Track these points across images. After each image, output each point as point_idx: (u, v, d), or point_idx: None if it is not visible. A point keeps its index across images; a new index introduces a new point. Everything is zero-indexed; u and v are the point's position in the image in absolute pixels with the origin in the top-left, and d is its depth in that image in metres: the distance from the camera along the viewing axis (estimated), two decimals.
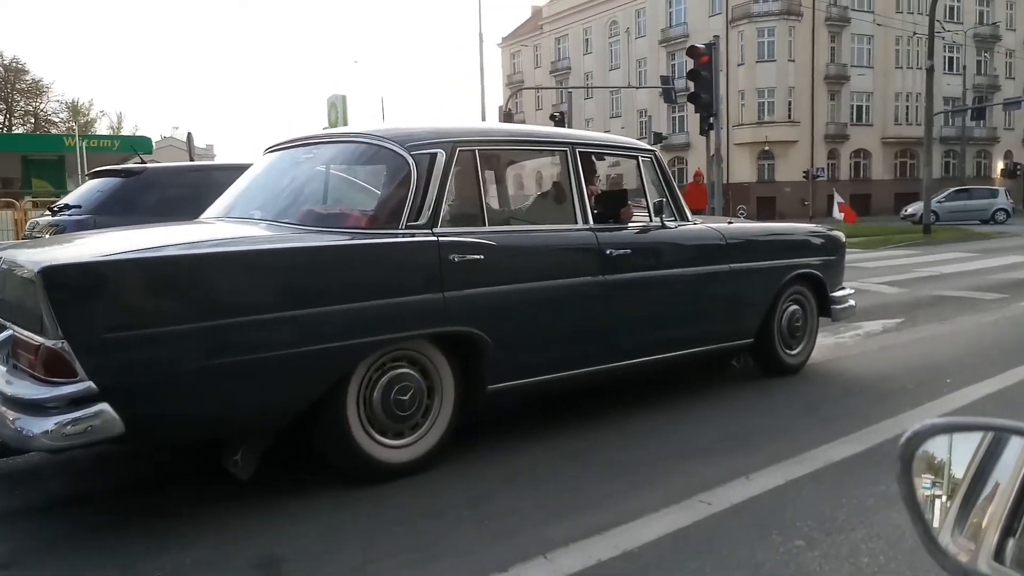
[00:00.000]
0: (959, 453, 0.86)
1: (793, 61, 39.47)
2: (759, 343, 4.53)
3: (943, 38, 35.41)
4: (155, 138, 45.79)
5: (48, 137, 35.02)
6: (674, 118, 43.43)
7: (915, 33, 38.65)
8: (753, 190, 38.97)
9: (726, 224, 4.55)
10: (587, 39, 50.66)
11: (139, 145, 21.27)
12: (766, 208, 36.90)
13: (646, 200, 4.07)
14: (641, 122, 42.50)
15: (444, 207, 3.16)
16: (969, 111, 34.89)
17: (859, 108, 42.10)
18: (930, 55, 18.88)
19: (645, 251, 3.93)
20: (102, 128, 57.66)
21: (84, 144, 25.36)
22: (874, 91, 41.76)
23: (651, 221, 4.01)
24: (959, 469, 0.85)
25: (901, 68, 41.61)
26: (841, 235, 5.27)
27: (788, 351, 4.70)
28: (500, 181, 4.28)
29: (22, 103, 54.31)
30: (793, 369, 4.72)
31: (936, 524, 0.84)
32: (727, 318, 4.33)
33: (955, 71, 42.05)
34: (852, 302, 5.11)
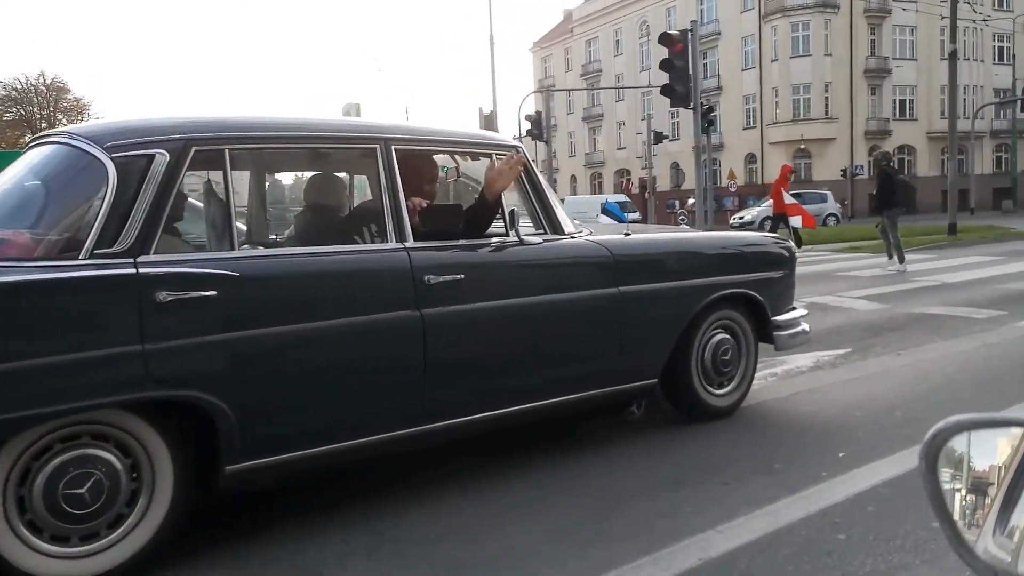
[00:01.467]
0: (986, 449, 0.85)
1: (830, 55, 37.94)
2: (670, 383, 3.64)
3: (988, 26, 33.66)
4: None
5: None
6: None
7: (963, 20, 36.80)
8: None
9: (619, 237, 3.63)
10: (618, 40, 49.68)
11: None
12: None
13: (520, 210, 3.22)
14: (673, 123, 41.41)
15: (161, 227, 2.37)
16: (1019, 102, 33.06)
17: (902, 102, 40.24)
18: (952, 38, 17.50)
19: (487, 275, 3.07)
20: None
21: None
22: (918, 84, 39.89)
23: (507, 236, 3.13)
24: (986, 465, 0.84)
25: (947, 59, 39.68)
26: (789, 245, 4.36)
27: (713, 390, 3.79)
28: (266, 190, 3.45)
29: (64, 121, 56.62)
30: (722, 412, 3.81)
31: (963, 523, 0.84)
32: (615, 355, 3.41)
33: (1005, 61, 40.03)
34: (804, 327, 4.17)
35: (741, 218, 28.02)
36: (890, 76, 39.47)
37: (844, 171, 35.43)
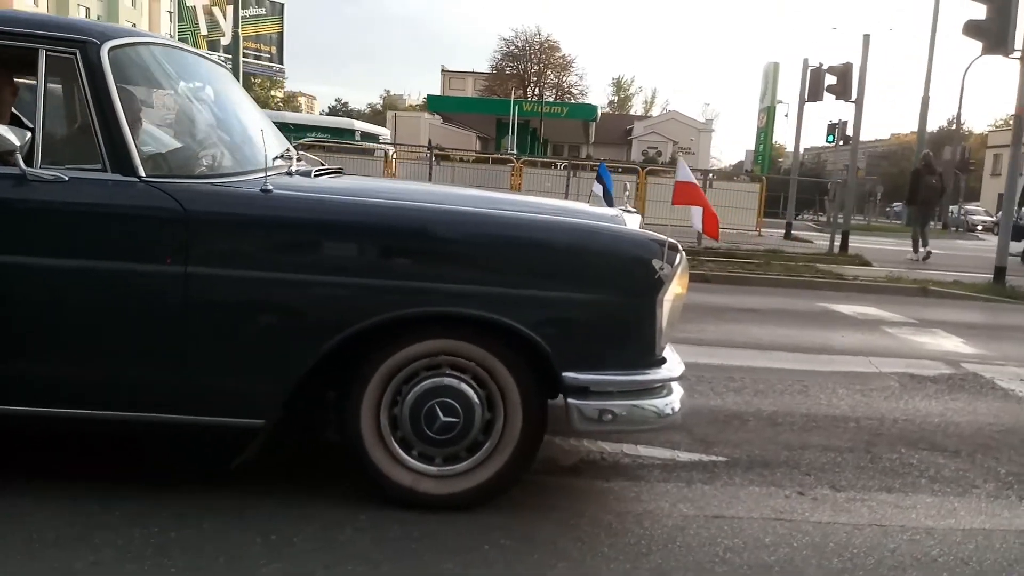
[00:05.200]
0: None
1: None
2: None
3: None
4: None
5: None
6: None
7: None
8: None
9: (254, 192, 2.45)
10: None
11: (583, 112, 37.79)
12: None
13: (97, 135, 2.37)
14: None
15: None
16: None
17: None
18: None
19: None
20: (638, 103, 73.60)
21: (535, 109, 38.30)
22: None
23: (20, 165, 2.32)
24: None
25: None
26: (637, 237, 2.62)
27: (421, 464, 2.54)
28: None
29: (551, 76, 68.89)
30: (440, 502, 2.54)
31: None
32: (174, 368, 2.39)
33: None
34: (650, 403, 2.56)
35: None
36: None
37: None
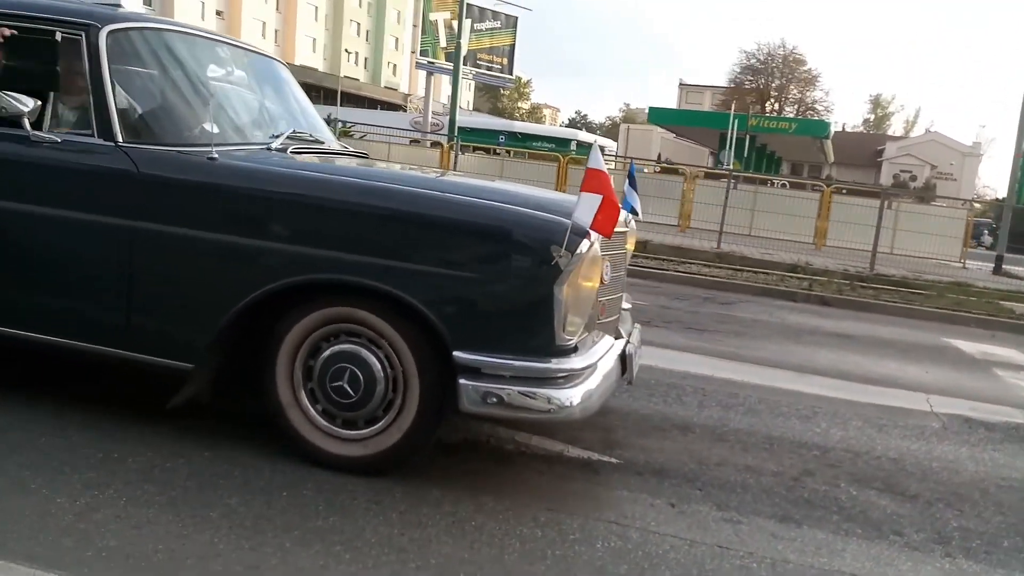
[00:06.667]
0: None
1: None
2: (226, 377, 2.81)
3: None
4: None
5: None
6: None
7: None
8: None
9: (202, 160, 2.74)
10: None
11: (814, 128, 34.72)
12: None
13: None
14: None
15: None
16: None
17: None
18: None
19: None
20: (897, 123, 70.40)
21: (760, 123, 38.91)
22: None
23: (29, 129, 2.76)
24: None
25: None
26: (538, 221, 2.55)
27: (332, 427, 2.72)
28: None
29: (794, 91, 66.02)
30: (344, 463, 2.72)
31: None
32: (120, 309, 2.75)
33: None
34: (551, 395, 2.50)
35: None
36: None
37: None
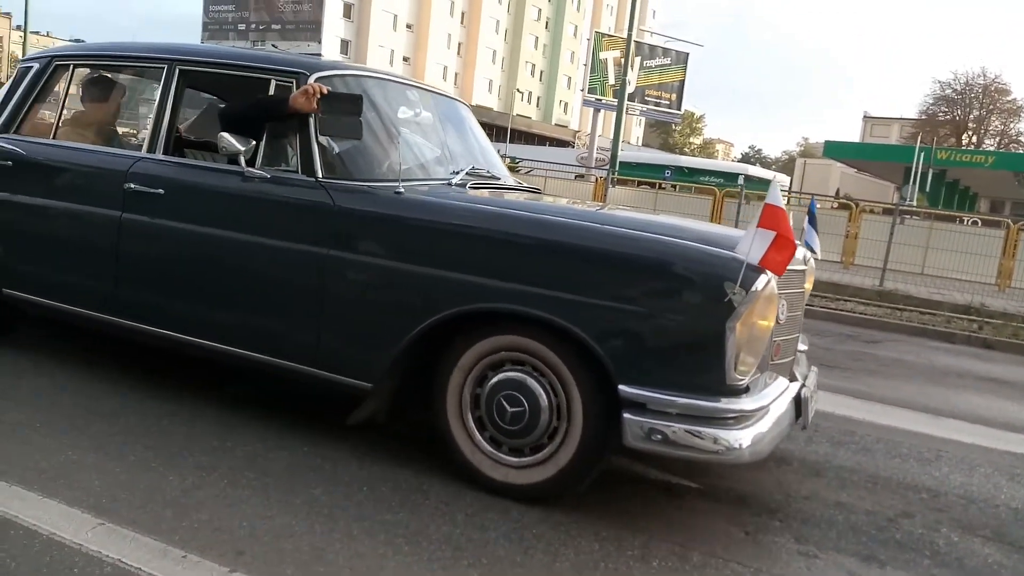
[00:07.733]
0: None
1: None
2: (398, 402, 2.97)
3: None
4: None
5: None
6: None
7: None
8: None
9: (390, 195, 2.94)
10: None
11: (1015, 162, 28.60)
12: None
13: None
14: None
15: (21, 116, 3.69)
16: None
17: None
18: None
19: (187, 198, 3.26)
20: None
21: (951, 157, 35.06)
22: None
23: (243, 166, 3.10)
24: None
25: None
26: (712, 258, 2.52)
27: (498, 453, 2.79)
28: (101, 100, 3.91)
29: (996, 122, 60.56)
30: (511, 491, 2.77)
31: None
32: (310, 329, 2.98)
33: None
34: (721, 436, 2.45)
35: None
36: None
37: None
